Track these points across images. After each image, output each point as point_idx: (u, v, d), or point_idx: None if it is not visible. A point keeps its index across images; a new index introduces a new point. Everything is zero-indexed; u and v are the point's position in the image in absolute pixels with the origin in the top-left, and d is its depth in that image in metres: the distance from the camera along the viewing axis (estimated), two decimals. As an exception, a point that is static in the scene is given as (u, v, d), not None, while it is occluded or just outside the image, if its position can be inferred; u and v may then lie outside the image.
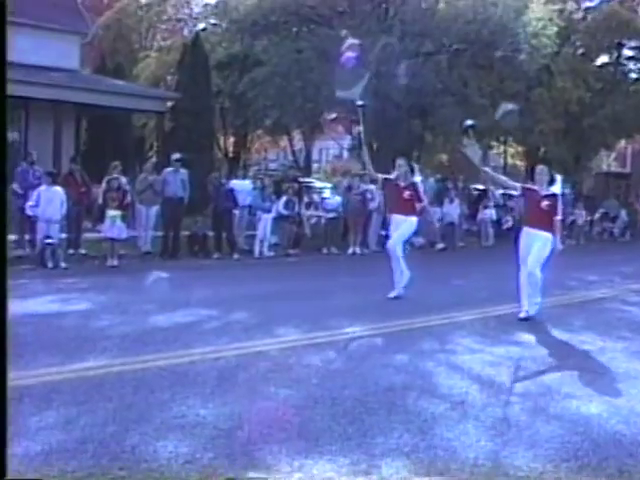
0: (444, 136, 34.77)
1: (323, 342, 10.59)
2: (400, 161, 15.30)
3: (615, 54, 41.83)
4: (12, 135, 26.95)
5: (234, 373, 8.71)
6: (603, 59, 41.89)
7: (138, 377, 8.44)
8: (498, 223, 31.74)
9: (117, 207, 19.53)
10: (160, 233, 22.14)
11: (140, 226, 22.11)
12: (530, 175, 14.07)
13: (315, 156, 49.03)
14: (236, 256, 22.20)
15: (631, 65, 42.95)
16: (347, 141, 36.44)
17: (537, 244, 12.94)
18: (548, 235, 12.91)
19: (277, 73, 28.99)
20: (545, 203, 13.01)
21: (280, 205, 24.16)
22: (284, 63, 29.19)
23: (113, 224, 19.33)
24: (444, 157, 45.28)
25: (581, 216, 34.16)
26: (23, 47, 23.41)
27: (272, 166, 50.48)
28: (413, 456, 6.35)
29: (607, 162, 57.54)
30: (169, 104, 31.88)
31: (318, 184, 35.05)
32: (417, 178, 15.44)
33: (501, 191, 34.92)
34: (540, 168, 13.52)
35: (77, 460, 5.90)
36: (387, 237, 16.10)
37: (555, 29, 34.31)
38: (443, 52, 30.13)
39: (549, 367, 9.69)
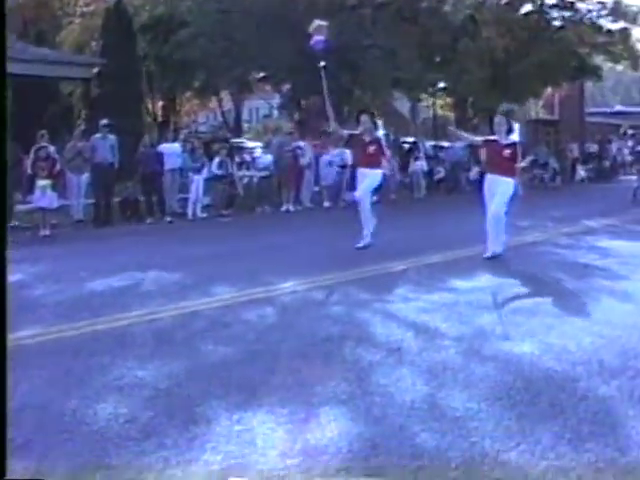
0: (372, 91, 34.68)
1: (260, 298, 10.67)
2: (364, 117, 15.78)
3: (539, 2, 41.93)
4: None
5: (171, 333, 8.76)
6: (527, 8, 41.95)
7: (75, 343, 8.46)
8: (430, 174, 31.95)
9: (47, 176, 19.44)
10: (92, 200, 22.01)
11: (71, 194, 21.98)
12: (489, 125, 15.58)
13: (245, 116, 48.79)
14: (169, 219, 22.22)
15: (554, 13, 43.11)
16: (276, 100, 36.31)
17: (500, 188, 13.98)
18: (510, 180, 14.03)
19: (201, 34, 28.63)
20: (506, 152, 14.01)
21: (213, 166, 24.13)
22: (208, 23, 28.86)
23: (44, 194, 19.20)
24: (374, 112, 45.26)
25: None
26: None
27: (202, 128, 50.13)
28: (350, 403, 6.44)
29: (535, 110, 57.95)
30: (95, 70, 31.46)
31: (250, 144, 34.89)
32: (380, 132, 16.16)
33: (432, 143, 35.19)
34: (498, 119, 14.44)
35: (16, 428, 5.87)
36: (354, 189, 16.52)
37: (476, -22, 34.61)
38: (367, 6, 29.96)
39: (483, 310, 9.82)
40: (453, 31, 34.02)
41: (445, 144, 34.89)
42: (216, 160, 24.31)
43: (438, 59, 36.12)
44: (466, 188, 30.87)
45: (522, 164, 14.51)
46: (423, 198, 30.42)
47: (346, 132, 16.52)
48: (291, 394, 6.62)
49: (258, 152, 29.36)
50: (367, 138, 15.50)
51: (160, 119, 40.84)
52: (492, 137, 14.59)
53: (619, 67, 53.45)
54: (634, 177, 40.15)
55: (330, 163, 26.30)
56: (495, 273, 12.53)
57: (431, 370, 7.26)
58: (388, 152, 17.33)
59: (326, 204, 26.06)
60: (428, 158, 32.40)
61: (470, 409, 6.27)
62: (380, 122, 16.90)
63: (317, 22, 16.60)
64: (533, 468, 5.24)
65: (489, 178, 14.31)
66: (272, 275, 12.42)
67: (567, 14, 42.57)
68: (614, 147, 46.75)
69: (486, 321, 9.27)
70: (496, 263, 13.36)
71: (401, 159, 31.31)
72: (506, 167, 14.02)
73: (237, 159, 26.01)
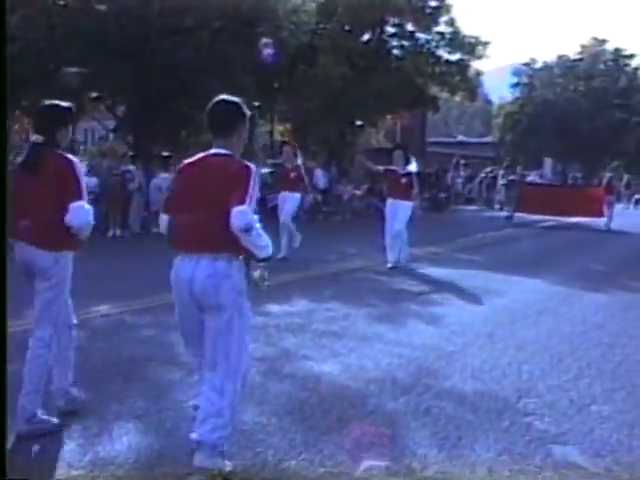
0: None
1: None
2: (286, 148, 19.30)
3: (378, 31, 42.43)
4: None
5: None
6: (367, 36, 42.41)
7: None
8: (263, 201, 31.82)
9: None
10: None
11: None
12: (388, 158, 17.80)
13: (81, 137, 47.74)
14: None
15: (394, 42, 43.76)
16: (112, 122, 35.65)
17: (400, 211, 16.87)
18: (408, 203, 17.00)
19: (30, 50, 27.48)
20: (404, 180, 16.89)
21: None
22: (37, 40, 27.84)
23: None
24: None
25: (346, 191, 34.81)
26: None
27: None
28: (145, 418, 6.68)
29: (377, 138, 58.75)
30: None
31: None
32: (299, 161, 18.82)
33: (266, 170, 35.20)
34: (397, 152, 17.53)
35: None
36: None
37: (314, 5, 34.89)
38: (204, 29, 29.72)
39: (291, 333, 10.09)
40: (290, 57, 34.11)
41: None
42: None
43: (276, 85, 36.22)
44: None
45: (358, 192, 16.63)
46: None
47: (271, 161, 20.75)
48: (87, 410, 6.76)
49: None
50: (288, 165, 18.49)
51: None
52: (391, 167, 17.30)
53: (457, 98, 54.49)
54: (473, 207, 41.97)
55: (160, 188, 25.74)
56: (310, 299, 12.73)
57: (228, 388, 7.49)
58: (306, 177, 19.58)
59: (155, 229, 25.27)
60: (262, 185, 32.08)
61: (259, 423, 6.58)
62: (299, 152, 19.36)
63: (264, 40, 17.96)
64: (310, 474, 5.58)
65: (390, 202, 17.23)
66: (86, 299, 12.19)
67: (406, 43, 43.23)
68: (449, 177, 47.69)
69: (291, 343, 9.59)
70: (313, 290, 13.61)
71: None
72: (403, 192, 16.92)
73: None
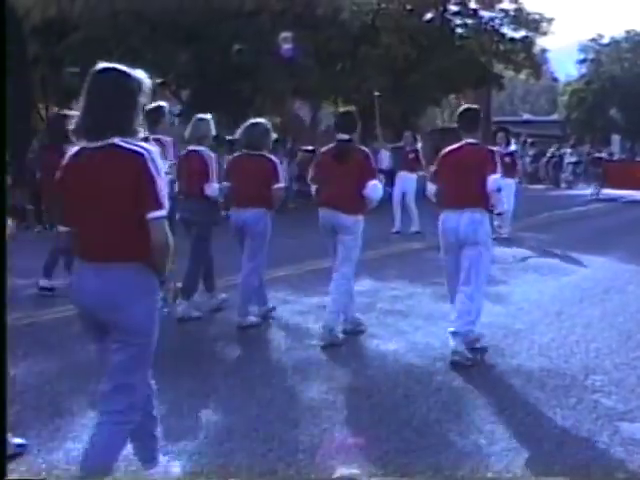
0: (272, 98, 34.04)
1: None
2: (407, 133, 21.90)
3: (441, 9, 42.04)
4: None
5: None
6: (430, 15, 42.05)
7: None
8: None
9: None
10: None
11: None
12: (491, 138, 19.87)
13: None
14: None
15: (457, 20, 43.35)
16: (177, 107, 35.74)
17: (505, 188, 16.89)
18: (511, 180, 17.76)
19: (93, 38, 27.73)
20: (507, 159, 17.68)
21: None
22: (100, 27, 28.05)
23: None
24: (278, 119, 44.59)
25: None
26: None
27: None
28: (213, 395, 6.82)
29: (442, 118, 58.48)
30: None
31: (149, 152, 33.97)
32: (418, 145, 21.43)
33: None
34: (500, 134, 19.24)
35: None
36: None
37: (376, -15, 34.70)
38: (265, 12, 29.68)
39: (357, 312, 10.05)
40: (352, 38, 33.91)
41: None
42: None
43: (339, 66, 35.97)
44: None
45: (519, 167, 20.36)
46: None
47: (390, 146, 24.51)
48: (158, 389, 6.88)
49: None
50: (408, 148, 20.96)
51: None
52: (493, 148, 17.51)
53: (522, 76, 53.83)
54: (540, 186, 41.88)
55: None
56: (375, 278, 12.66)
57: (296, 367, 7.57)
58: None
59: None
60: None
61: (326, 400, 6.62)
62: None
63: (283, 34, 18.48)
64: (376, 450, 5.61)
65: None
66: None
67: (470, 22, 42.78)
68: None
69: (357, 322, 9.58)
70: (378, 269, 13.49)
71: (301, 168, 31.07)
72: (507, 170, 17.30)
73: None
